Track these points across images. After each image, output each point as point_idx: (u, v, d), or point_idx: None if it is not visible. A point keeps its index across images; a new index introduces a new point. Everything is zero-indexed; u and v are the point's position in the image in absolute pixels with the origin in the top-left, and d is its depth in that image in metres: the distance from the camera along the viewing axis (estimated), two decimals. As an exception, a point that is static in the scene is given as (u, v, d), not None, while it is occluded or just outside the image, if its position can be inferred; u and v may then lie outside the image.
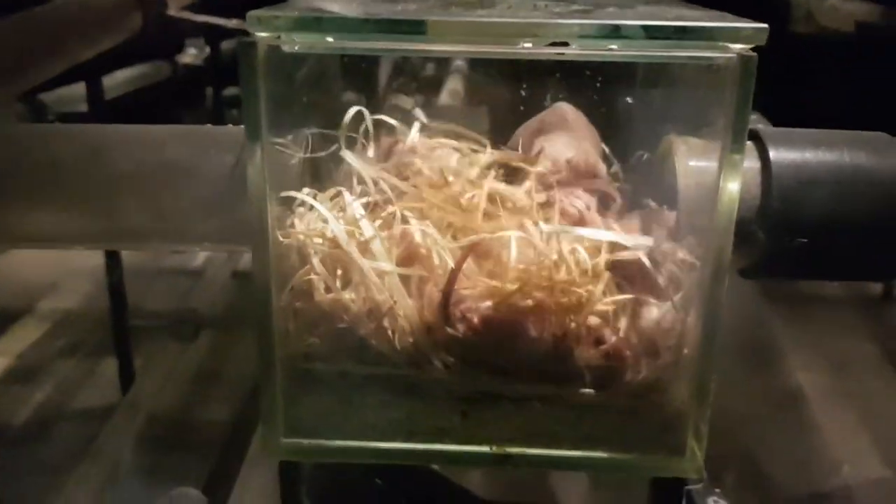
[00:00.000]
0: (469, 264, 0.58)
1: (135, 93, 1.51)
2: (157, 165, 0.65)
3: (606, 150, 0.72)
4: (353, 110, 0.66)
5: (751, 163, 0.61)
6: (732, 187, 0.53)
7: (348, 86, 0.75)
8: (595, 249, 0.59)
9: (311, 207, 0.61)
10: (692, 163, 0.62)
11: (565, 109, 0.71)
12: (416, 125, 0.67)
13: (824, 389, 1.04)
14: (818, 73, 1.44)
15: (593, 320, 0.58)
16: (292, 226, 0.61)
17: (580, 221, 0.62)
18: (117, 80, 1.49)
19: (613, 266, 0.59)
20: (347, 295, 0.58)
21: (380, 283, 0.57)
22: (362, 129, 0.66)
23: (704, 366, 0.56)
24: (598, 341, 0.58)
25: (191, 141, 0.66)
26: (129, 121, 0.69)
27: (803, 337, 1.16)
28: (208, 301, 1.37)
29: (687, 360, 0.57)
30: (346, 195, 0.62)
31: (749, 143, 0.61)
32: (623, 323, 0.58)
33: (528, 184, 0.63)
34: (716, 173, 0.54)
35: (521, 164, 0.65)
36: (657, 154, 0.68)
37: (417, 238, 0.59)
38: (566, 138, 0.68)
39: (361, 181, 0.63)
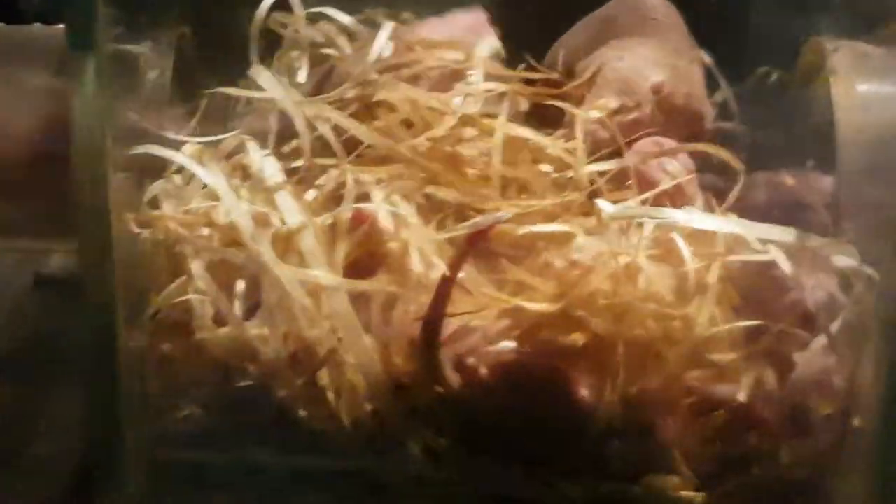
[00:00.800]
0: (472, 271, 0.57)
1: None
2: None
3: (710, 63, 0.72)
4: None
5: None
6: None
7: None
8: (700, 247, 0.59)
9: (191, 175, 0.61)
10: (862, 86, 0.61)
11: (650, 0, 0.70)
12: (387, 28, 0.65)
13: None
14: None
15: (696, 369, 0.58)
16: (155, 206, 0.60)
17: (675, 198, 0.61)
18: None
19: (732, 276, 0.58)
20: (255, 329, 0.57)
21: (313, 306, 0.56)
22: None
23: (890, 446, 0.55)
24: (706, 405, 0.57)
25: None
26: None
27: None
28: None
29: (859, 435, 0.57)
30: (254, 148, 0.61)
31: None
32: (749, 373, 0.57)
33: (576, 129, 0.63)
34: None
35: (559, 101, 0.64)
36: (797, 71, 0.68)
37: (383, 225, 0.58)
38: (651, 49, 0.67)
39: (284, 124, 0.62)
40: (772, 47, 0.71)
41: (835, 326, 0.57)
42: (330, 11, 0.69)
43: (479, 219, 0.57)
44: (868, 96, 0.61)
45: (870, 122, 0.60)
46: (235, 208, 0.58)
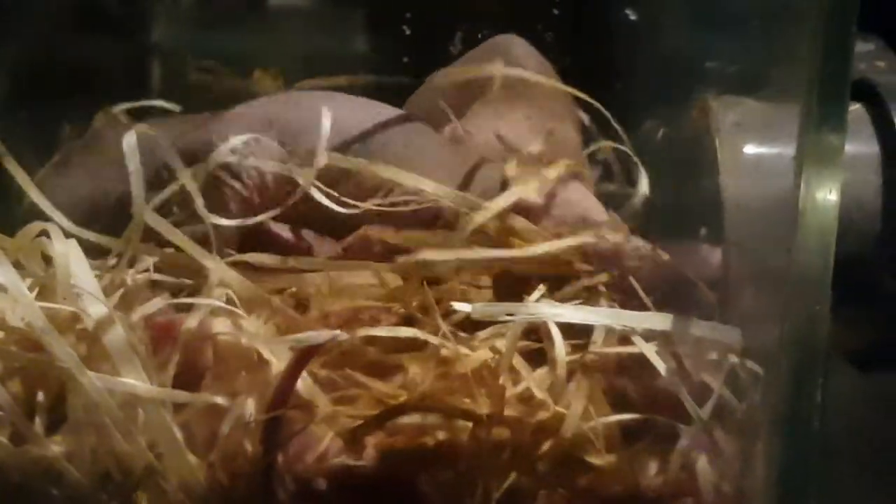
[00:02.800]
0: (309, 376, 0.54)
1: None
2: None
3: (586, 121, 0.70)
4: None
5: (862, 146, 0.60)
6: (825, 199, 0.49)
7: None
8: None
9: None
10: (750, 148, 0.59)
11: (515, 49, 0.68)
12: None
13: None
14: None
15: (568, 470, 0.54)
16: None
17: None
18: None
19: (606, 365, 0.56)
20: (57, 446, 0.53)
21: (122, 418, 0.52)
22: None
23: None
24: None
25: None
26: None
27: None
28: None
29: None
30: (56, 234, 0.57)
31: (857, 108, 0.60)
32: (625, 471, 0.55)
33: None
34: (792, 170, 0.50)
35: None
36: (684, 128, 0.65)
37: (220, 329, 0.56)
38: (525, 111, 0.66)
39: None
40: (660, 100, 0.70)
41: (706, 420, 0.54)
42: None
43: (311, 334, 0.54)
44: (755, 157, 0.59)
45: (757, 186, 0.58)
46: (28, 307, 0.53)
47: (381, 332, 0.55)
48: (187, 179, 0.61)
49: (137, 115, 0.75)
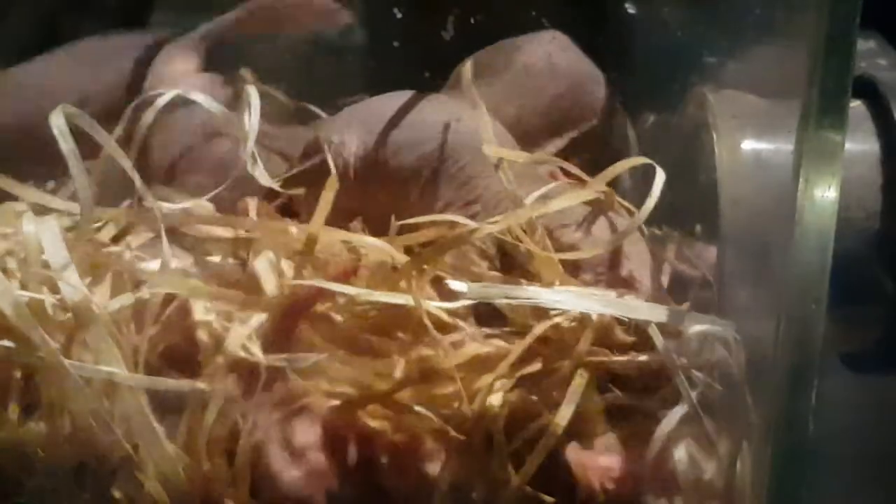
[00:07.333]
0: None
1: None
2: None
3: None
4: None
5: (862, 143, 0.60)
6: (823, 196, 0.49)
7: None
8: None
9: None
10: (747, 143, 0.59)
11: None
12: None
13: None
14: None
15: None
16: None
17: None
18: None
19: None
20: (35, 425, 0.54)
21: (99, 406, 0.52)
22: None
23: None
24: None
25: None
26: None
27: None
28: None
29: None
30: (30, 220, 0.57)
31: (857, 105, 0.60)
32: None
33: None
34: (791, 166, 0.50)
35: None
36: (680, 119, 0.66)
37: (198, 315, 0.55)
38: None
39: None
40: (656, 89, 0.70)
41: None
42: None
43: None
44: (752, 152, 0.59)
45: (754, 181, 0.58)
46: (3, 292, 0.53)
47: (378, 297, 0.55)
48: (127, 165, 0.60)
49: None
